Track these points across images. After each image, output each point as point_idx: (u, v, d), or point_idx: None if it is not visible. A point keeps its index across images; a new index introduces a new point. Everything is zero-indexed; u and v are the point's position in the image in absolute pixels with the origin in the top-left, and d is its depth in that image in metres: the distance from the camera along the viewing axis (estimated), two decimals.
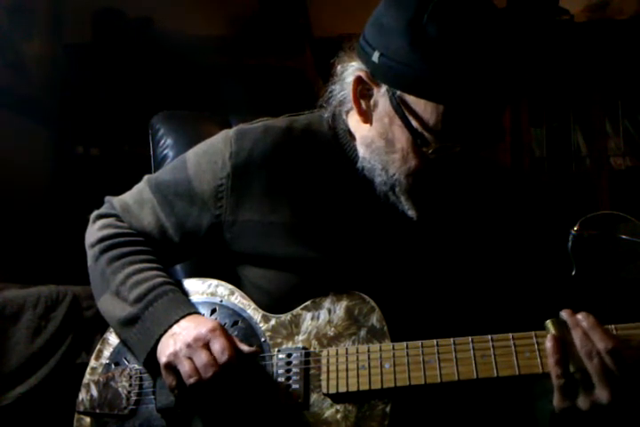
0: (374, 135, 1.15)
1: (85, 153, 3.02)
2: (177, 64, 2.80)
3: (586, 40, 2.70)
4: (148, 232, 1.27)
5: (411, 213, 1.15)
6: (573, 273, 1.54)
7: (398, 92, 1.08)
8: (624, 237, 1.73)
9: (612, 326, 0.99)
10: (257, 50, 2.90)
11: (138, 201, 1.30)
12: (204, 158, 1.26)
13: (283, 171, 1.21)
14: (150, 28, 3.00)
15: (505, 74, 1.04)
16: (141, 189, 1.31)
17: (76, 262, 1.38)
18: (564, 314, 1.00)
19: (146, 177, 1.34)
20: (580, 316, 0.99)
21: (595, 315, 1.00)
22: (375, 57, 1.08)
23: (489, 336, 1.03)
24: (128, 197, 1.32)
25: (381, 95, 1.11)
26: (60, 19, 3.05)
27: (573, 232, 1.59)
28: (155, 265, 1.23)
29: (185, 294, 1.22)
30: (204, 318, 1.16)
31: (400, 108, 1.08)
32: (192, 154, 1.29)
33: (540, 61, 2.75)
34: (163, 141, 1.69)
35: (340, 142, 1.23)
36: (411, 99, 1.07)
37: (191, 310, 1.16)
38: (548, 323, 1.00)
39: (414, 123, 1.08)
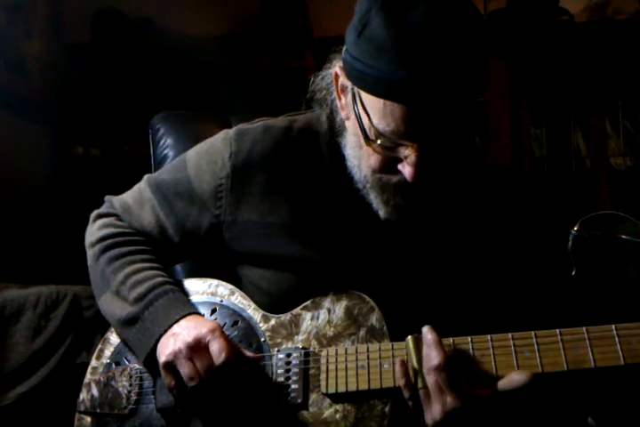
0: (350, 131, 1.15)
1: (85, 153, 3.02)
2: (177, 64, 2.80)
3: (586, 40, 2.69)
4: (147, 232, 1.27)
5: (381, 212, 1.14)
6: (573, 273, 1.54)
7: (355, 87, 1.07)
8: (624, 237, 1.73)
9: (451, 339, 1.03)
10: (257, 50, 2.90)
11: (138, 200, 1.30)
12: (204, 158, 1.26)
13: (281, 171, 1.21)
14: (150, 29, 2.99)
15: (439, 74, 0.98)
16: (142, 188, 1.31)
17: (76, 262, 1.38)
18: (423, 330, 1.02)
19: (146, 176, 1.33)
20: (424, 332, 1.01)
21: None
22: (343, 50, 1.08)
23: (488, 336, 1.03)
24: (128, 196, 1.32)
25: (349, 90, 1.10)
26: (59, 19, 3.05)
27: (573, 232, 1.60)
28: (154, 265, 1.23)
29: (185, 293, 1.22)
30: (203, 318, 1.16)
31: (355, 101, 1.07)
32: (192, 154, 1.29)
33: (541, 61, 2.76)
34: (163, 141, 1.69)
35: (337, 141, 1.22)
36: (362, 93, 1.06)
37: (191, 310, 1.16)
38: (409, 339, 1.02)
39: (364, 118, 1.06)
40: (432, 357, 0.98)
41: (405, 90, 0.99)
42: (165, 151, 1.68)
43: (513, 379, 0.97)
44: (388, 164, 1.08)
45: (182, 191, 1.26)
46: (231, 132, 1.27)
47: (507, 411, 0.98)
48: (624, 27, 2.74)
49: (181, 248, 1.28)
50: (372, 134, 1.06)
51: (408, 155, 1.05)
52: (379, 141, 1.06)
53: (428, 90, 0.98)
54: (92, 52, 2.98)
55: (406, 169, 1.06)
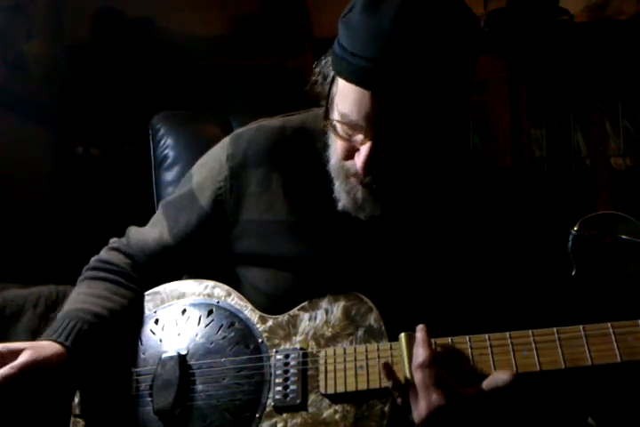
0: None
1: (85, 153, 3.02)
2: (177, 64, 2.80)
3: (586, 40, 2.69)
4: (150, 249, 1.30)
5: (340, 203, 1.14)
6: (573, 273, 1.54)
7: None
8: (624, 237, 1.73)
9: (433, 340, 1.03)
10: (257, 50, 2.90)
11: (152, 223, 1.34)
12: (204, 168, 1.28)
13: (277, 169, 1.22)
14: (150, 28, 3.00)
15: (400, 66, 0.97)
16: (156, 213, 1.35)
17: (76, 262, 1.39)
18: (416, 329, 1.04)
19: (161, 202, 1.37)
20: (417, 330, 1.03)
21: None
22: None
23: (486, 335, 1.03)
24: (148, 223, 1.36)
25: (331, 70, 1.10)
26: (60, 19, 3.05)
27: (573, 232, 1.60)
28: (103, 293, 1.25)
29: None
30: (55, 349, 1.13)
31: (332, 81, 1.08)
32: (196, 166, 1.32)
33: (541, 61, 2.76)
34: (163, 141, 1.69)
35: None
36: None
37: (52, 338, 1.14)
38: (402, 336, 1.04)
39: (332, 97, 1.08)
40: (419, 354, 1.00)
41: (362, 76, 0.99)
42: (165, 151, 1.68)
43: (497, 378, 0.98)
44: (349, 151, 1.08)
45: (187, 203, 1.28)
46: (228, 137, 1.29)
47: (493, 409, 0.99)
48: (624, 27, 2.74)
49: (188, 257, 1.30)
50: (332, 114, 1.07)
51: (362, 144, 1.05)
52: (334, 122, 1.07)
53: (385, 80, 0.98)
54: (92, 53, 2.98)
55: (358, 158, 1.06)
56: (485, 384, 0.99)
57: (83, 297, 1.24)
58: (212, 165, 1.26)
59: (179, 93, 2.68)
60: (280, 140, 1.24)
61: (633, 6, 2.78)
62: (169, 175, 1.67)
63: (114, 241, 1.38)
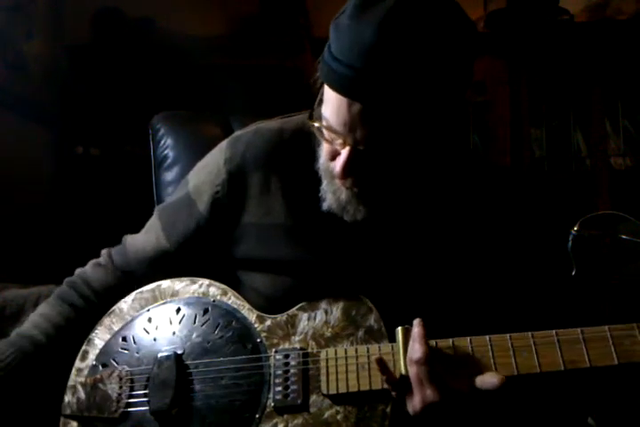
0: None
1: (85, 153, 3.02)
2: (177, 64, 2.80)
3: (586, 40, 2.70)
4: (148, 255, 1.30)
5: (324, 203, 1.13)
6: (573, 273, 1.53)
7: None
8: (624, 237, 1.73)
9: (434, 342, 1.03)
10: (257, 50, 2.90)
11: (147, 229, 1.33)
12: (202, 172, 1.28)
13: (276, 172, 1.21)
14: (150, 28, 3.00)
15: (379, 73, 0.94)
16: (151, 218, 1.34)
17: (76, 263, 1.38)
18: (413, 323, 1.04)
19: (156, 207, 1.37)
20: (414, 325, 1.03)
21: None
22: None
23: (487, 337, 1.03)
24: (143, 229, 1.36)
25: None
26: (60, 19, 3.05)
27: (573, 232, 1.59)
28: (59, 314, 1.29)
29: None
30: None
31: (322, 83, 1.07)
32: (193, 171, 1.31)
33: (541, 61, 2.76)
34: (163, 141, 1.69)
35: None
36: None
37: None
38: (399, 330, 1.04)
39: (320, 98, 1.07)
40: (415, 350, 1.00)
41: (342, 83, 0.98)
42: (165, 151, 1.68)
43: (485, 381, 0.98)
44: (333, 153, 1.09)
45: (183, 207, 1.27)
46: (225, 140, 1.28)
47: (488, 406, 1.00)
48: (624, 27, 2.74)
49: (185, 260, 1.29)
50: (316, 115, 1.07)
51: (342, 148, 1.05)
52: (316, 124, 1.06)
53: (364, 89, 0.96)
54: (92, 53, 2.99)
55: (337, 162, 1.06)
56: (477, 383, 0.99)
57: (37, 319, 1.29)
58: (209, 169, 1.25)
59: (179, 93, 2.68)
60: (278, 142, 1.23)
61: (633, 6, 2.78)
62: (169, 175, 1.67)
63: (104, 253, 1.36)
